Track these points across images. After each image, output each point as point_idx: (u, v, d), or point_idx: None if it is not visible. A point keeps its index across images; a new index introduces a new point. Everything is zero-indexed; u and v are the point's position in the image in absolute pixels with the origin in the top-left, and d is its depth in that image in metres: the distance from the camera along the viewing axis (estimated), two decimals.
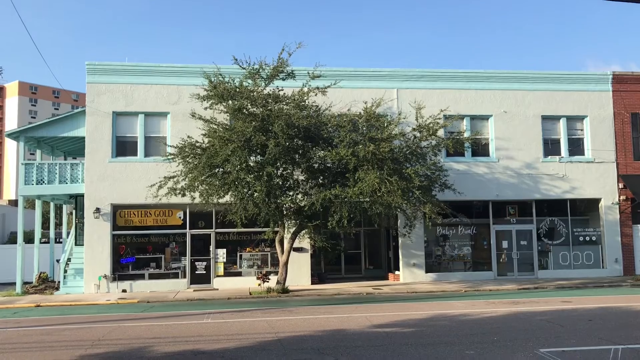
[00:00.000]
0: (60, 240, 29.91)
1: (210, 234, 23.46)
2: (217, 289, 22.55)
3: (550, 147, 25.74)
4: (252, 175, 19.05)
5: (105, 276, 22.31)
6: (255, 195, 19.11)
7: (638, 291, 20.31)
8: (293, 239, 21.35)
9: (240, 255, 23.75)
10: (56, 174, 23.25)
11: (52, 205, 28.73)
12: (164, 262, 23.26)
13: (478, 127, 25.26)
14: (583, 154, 25.83)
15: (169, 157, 20.57)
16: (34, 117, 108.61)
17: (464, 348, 10.35)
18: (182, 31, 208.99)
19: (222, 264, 23.46)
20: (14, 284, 23.65)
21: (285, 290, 20.79)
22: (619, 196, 25.58)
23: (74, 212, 26.21)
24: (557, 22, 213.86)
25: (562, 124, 25.79)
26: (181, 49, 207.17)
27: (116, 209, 22.98)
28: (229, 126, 19.68)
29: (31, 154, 46.95)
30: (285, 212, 20.72)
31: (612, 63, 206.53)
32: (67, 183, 23.31)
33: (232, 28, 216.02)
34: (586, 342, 10.78)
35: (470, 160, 24.94)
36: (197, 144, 19.90)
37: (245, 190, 19.29)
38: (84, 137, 23.27)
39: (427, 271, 24.37)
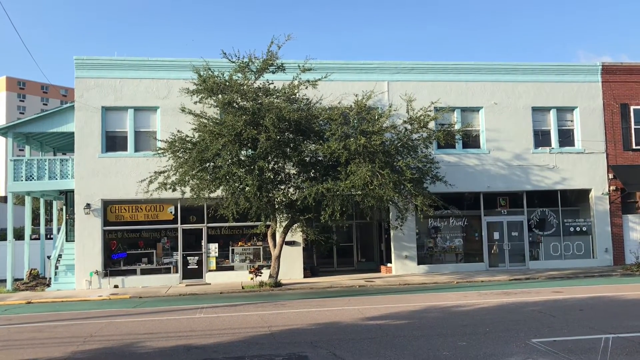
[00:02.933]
0: (51, 236, 29.72)
1: (202, 229, 23.38)
2: (210, 284, 22.51)
3: (541, 139, 25.81)
4: (243, 170, 18.98)
5: (96, 272, 22.20)
6: (246, 189, 19.04)
7: (628, 280, 20.48)
8: (285, 232, 21.32)
9: (232, 250, 23.70)
10: (46, 169, 23.07)
11: (42, 201, 28.53)
12: (155, 257, 23.17)
13: (469, 119, 25.28)
14: (573, 145, 25.93)
15: (159, 151, 20.44)
16: (23, 113, 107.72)
17: (456, 339, 10.39)
18: (171, 28, 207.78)
19: (214, 258, 23.40)
20: (4, 280, 23.48)
21: (277, 284, 20.78)
22: (609, 186, 25.73)
23: (64, 208, 26.02)
24: (548, 13, 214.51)
25: (552, 115, 25.87)
26: (171, 46, 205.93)
27: (107, 204, 22.84)
28: (219, 120, 19.58)
29: (20, 150, 46.61)
30: (277, 206, 20.67)
31: (603, 54, 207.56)
32: (56, 179, 23.13)
33: (218, 26, 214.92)
34: (577, 332, 10.85)
35: (461, 152, 24.98)
36: (188, 139, 19.79)
37: (236, 184, 19.23)
38: (73, 133, 23.09)
39: (419, 263, 24.44)
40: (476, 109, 25.40)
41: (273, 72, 20.46)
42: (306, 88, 20.45)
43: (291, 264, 23.30)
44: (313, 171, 20.59)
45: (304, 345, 10.25)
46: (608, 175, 25.77)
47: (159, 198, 20.93)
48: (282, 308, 15.45)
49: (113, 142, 23.15)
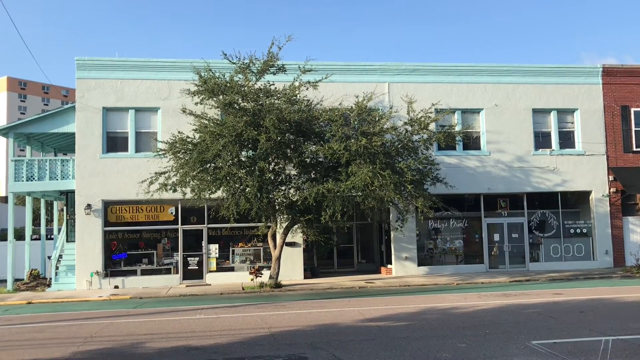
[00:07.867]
0: (52, 236, 29.75)
1: (202, 230, 23.40)
2: (210, 285, 22.53)
3: (541, 140, 25.83)
4: (243, 171, 19.02)
5: (97, 272, 22.22)
6: (247, 190, 19.07)
7: (628, 282, 20.48)
8: (285, 233, 21.34)
9: (233, 251, 23.72)
10: (46, 170, 23.09)
11: (42, 201, 28.55)
12: (156, 258, 23.19)
13: (469, 121, 25.30)
14: (574, 147, 25.95)
15: (160, 152, 20.48)
16: (24, 113, 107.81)
17: (456, 341, 10.40)
18: (173, 25, 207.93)
19: (215, 259, 23.42)
20: (5, 281, 23.50)
21: (278, 285, 20.80)
22: (609, 188, 25.74)
23: (65, 208, 26.06)
24: (552, 14, 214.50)
25: (552, 117, 25.89)
26: (172, 44, 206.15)
27: (107, 205, 22.87)
28: (220, 121, 19.62)
29: (21, 150, 46.62)
30: (277, 207, 20.70)
31: (607, 55, 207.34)
32: (57, 179, 23.15)
33: (219, 26, 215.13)
34: (577, 334, 10.86)
35: (461, 153, 24.99)
36: (188, 140, 19.84)
37: (237, 185, 19.27)
38: (74, 133, 23.13)
39: (419, 264, 24.44)
40: (477, 111, 25.42)
41: (274, 74, 20.48)
42: (307, 89, 20.47)
43: (291, 265, 23.31)
44: (314, 172, 20.61)
45: (304, 347, 10.26)
46: (608, 177, 25.79)
47: (159, 199, 20.95)
48: (282, 309, 15.47)
49: (114, 143, 23.18)
